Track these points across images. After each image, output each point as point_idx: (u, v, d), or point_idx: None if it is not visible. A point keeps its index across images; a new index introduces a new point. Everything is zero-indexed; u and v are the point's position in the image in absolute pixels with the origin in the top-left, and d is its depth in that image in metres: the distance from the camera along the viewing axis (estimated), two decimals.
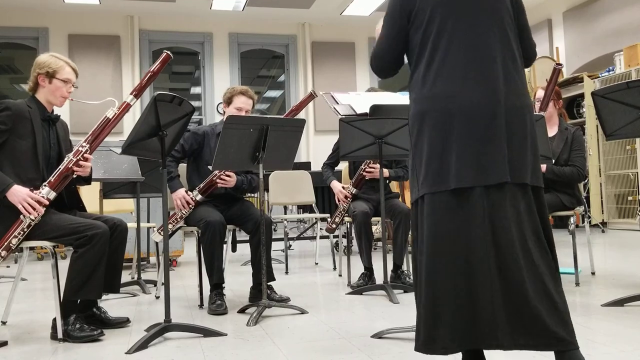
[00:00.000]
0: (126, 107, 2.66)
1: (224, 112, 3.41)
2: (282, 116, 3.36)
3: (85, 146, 2.60)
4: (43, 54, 2.72)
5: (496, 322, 1.56)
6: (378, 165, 3.37)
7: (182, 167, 3.48)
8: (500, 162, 1.62)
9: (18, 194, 2.43)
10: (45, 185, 2.51)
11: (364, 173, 3.66)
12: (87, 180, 2.79)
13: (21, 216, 2.44)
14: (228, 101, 3.36)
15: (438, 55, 1.68)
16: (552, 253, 1.66)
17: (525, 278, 1.57)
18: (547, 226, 1.68)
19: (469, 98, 1.64)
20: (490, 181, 1.61)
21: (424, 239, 1.67)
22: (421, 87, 1.71)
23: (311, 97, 3.30)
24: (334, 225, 3.93)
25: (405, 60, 1.88)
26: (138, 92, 2.69)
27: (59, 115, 2.77)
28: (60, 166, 2.56)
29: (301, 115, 9.47)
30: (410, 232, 3.80)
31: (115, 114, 2.64)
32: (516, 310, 1.56)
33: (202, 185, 3.20)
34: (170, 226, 3.19)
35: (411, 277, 3.65)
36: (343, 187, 3.81)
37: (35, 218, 2.45)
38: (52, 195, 2.51)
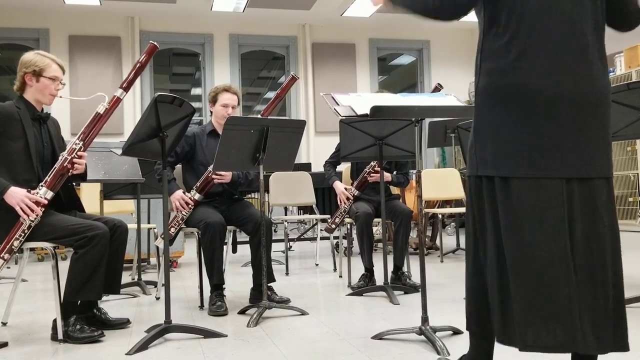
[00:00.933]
0: (116, 102, 2.63)
1: (211, 112, 3.45)
2: (272, 107, 3.36)
3: (78, 143, 2.58)
4: (28, 53, 2.68)
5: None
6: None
7: (177, 170, 3.50)
8: (583, 154, 1.51)
9: (15, 195, 2.42)
10: (42, 186, 2.50)
11: (369, 177, 3.66)
12: (82, 177, 2.77)
13: (20, 218, 2.44)
14: (213, 100, 3.41)
15: (525, 24, 1.51)
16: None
17: (609, 276, 1.53)
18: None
19: (557, 82, 1.50)
20: (572, 174, 1.50)
21: (503, 225, 1.53)
22: (504, 56, 1.53)
23: (293, 79, 3.31)
24: (333, 226, 3.93)
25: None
26: (127, 85, 2.66)
27: (49, 113, 2.76)
28: (55, 165, 2.55)
29: (301, 116, 9.46)
30: (410, 234, 3.80)
31: (106, 108, 2.62)
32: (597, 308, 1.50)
33: (198, 183, 3.20)
34: (172, 230, 3.19)
35: (411, 278, 3.65)
36: (345, 188, 3.81)
37: (35, 219, 2.45)
38: (50, 195, 2.50)
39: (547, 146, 1.50)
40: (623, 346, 1.50)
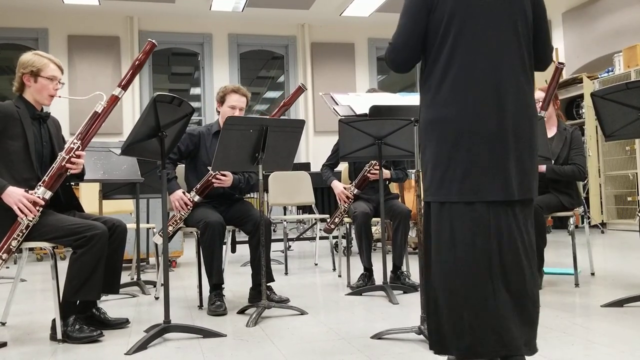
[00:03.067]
0: (114, 100, 2.62)
1: (219, 111, 3.43)
2: (278, 116, 3.36)
3: (76, 143, 2.57)
4: (26, 53, 2.68)
5: (514, 329, 1.64)
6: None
7: (180, 168, 3.49)
8: (508, 179, 1.67)
9: (13, 195, 2.42)
10: (40, 185, 2.50)
11: (369, 175, 3.67)
12: (80, 177, 2.76)
13: (18, 218, 2.44)
14: (221, 100, 3.38)
15: (455, 63, 1.70)
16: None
17: (528, 291, 1.68)
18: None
19: (481, 114, 1.68)
20: (496, 197, 1.67)
21: (437, 244, 1.74)
22: (434, 94, 1.73)
23: (300, 90, 3.30)
24: (332, 226, 3.93)
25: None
26: (125, 84, 2.65)
27: (49, 113, 2.76)
28: (53, 165, 2.54)
29: (300, 116, 9.47)
30: (409, 233, 3.80)
31: (104, 107, 2.61)
32: (522, 316, 1.67)
33: (198, 186, 3.20)
34: (170, 228, 3.19)
35: (410, 277, 3.65)
36: (344, 188, 3.81)
37: (33, 219, 2.45)
38: (48, 194, 2.50)
39: (476, 173, 1.68)
40: (531, 350, 1.69)
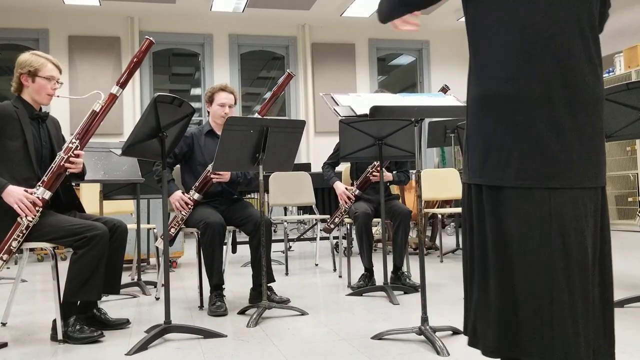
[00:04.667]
0: (112, 99, 2.62)
1: (209, 111, 3.45)
2: (270, 106, 3.35)
3: (75, 142, 2.57)
4: (24, 54, 2.67)
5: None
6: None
7: (175, 171, 3.50)
8: (572, 163, 1.45)
9: (13, 194, 2.42)
10: (39, 186, 2.50)
11: (371, 176, 3.67)
12: (80, 177, 2.76)
13: (19, 218, 2.44)
14: (210, 100, 3.42)
15: (508, 34, 1.47)
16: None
17: (590, 290, 1.44)
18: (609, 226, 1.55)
19: (544, 85, 1.44)
20: (561, 184, 1.45)
21: (491, 236, 1.50)
22: (490, 66, 1.51)
23: (289, 77, 3.31)
24: (332, 226, 3.93)
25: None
26: (123, 82, 2.64)
27: (48, 113, 2.76)
28: (52, 165, 2.54)
29: (301, 116, 9.46)
30: (409, 234, 3.80)
31: (102, 106, 2.61)
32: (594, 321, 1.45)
33: (197, 183, 3.20)
34: (172, 230, 3.19)
35: (411, 278, 3.65)
36: (346, 188, 3.81)
37: (33, 219, 2.45)
38: (47, 194, 2.50)
39: (537, 156, 1.45)
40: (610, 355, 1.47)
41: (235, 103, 3.45)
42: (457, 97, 2.46)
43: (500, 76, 1.49)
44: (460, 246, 5.09)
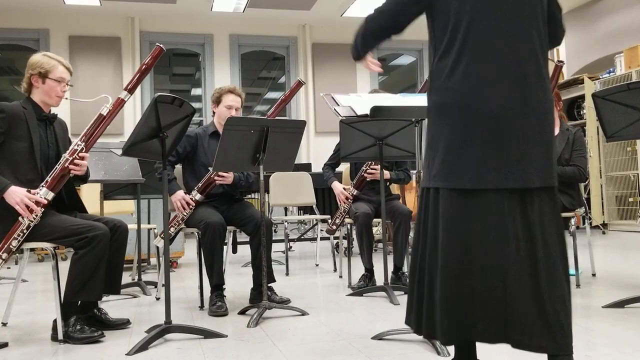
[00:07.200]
0: (120, 103, 2.63)
1: (214, 112, 3.44)
2: (278, 111, 3.36)
3: (80, 145, 2.58)
4: (36, 54, 2.69)
5: (523, 321, 1.54)
6: (379, 167, 3.37)
7: (177, 171, 3.49)
8: (525, 164, 1.57)
9: (15, 195, 2.42)
10: (42, 186, 2.50)
11: (365, 174, 3.67)
12: (83, 179, 2.77)
13: (20, 218, 2.44)
14: (217, 101, 3.40)
15: (469, 45, 1.59)
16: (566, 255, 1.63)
17: (544, 283, 1.54)
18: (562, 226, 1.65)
19: (497, 97, 1.57)
20: (513, 185, 1.56)
21: (439, 233, 1.61)
22: (447, 77, 1.62)
23: (299, 84, 3.31)
24: (334, 227, 3.93)
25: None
26: (132, 88, 2.66)
27: (56, 115, 2.76)
28: (56, 166, 2.55)
29: (301, 116, 9.45)
30: (410, 234, 3.80)
31: (109, 110, 2.61)
32: (539, 312, 1.54)
33: (200, 184, 3.20)
34: (172, 229, 3.19)
35: None
36: (344, 188, 3.81)
37: (34, 219, 2.45)
38: (50, 195, 2.50)
39: (491, 159, 1.57)
40: (558, 348, 1.54)
41: (241, 106, 3.44)
42: None
43: (447, 87, 1.63)
44: None
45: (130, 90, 2.66)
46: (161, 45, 2.67)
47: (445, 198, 1.61)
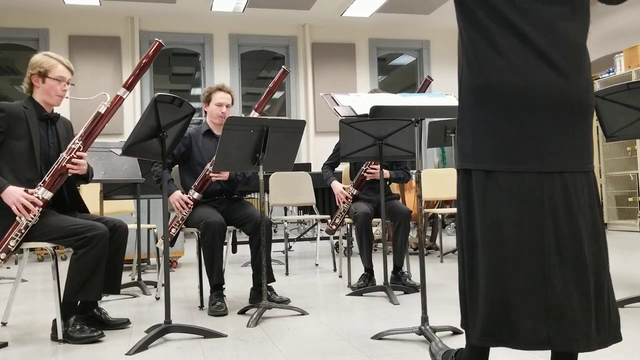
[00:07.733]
0: (119, 101, 2.62)
1: (206, 111, 3.45)
2: (266, 102, 3.35)
3: (77, 143, 2.57)
4: (37, 54, 2.69)
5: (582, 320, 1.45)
6: (379, 166, 3.38)
7: (174, 171, 3.50)
8: (564, 148, 1.52)
9: (12, 195, 2.42)
10: (40, 186, 2.49)
11: (365, 174, 3.67)
12: (85, 178, 2.75)
13: (17, 217, 2.44)
14: (207, 100, 3.43)
15: (502, 24, 1.54)
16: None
17: (590, 272, 1.46)
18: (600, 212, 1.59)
19: (540, 79, 1.52)
20: (552, 168, 1.50)
21: (481, 221, 1.53)
22: (481, 56, 1.57)
23: (284, 73, 3.31)
24: (334, 227, 3.93)
25: None
26: (131, 84, 2.65)
27: (59, 114, 2.76)
28: (54, 165, 2.54)
29: (301, 116, 9.45)
30: (409, 234, 3.80)
31: (108, 108, 2.61)
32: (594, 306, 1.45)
33: (196, 182, 3.20)
34: (173, 230, 3.19)
35: (411, 278, 3.65)
36: (344, 188, 3.81)
37: (32, 219, 2.45)
38: (48, 195, 2.50)
39: (528, 141, 1.51)
40: (604, 341, 1.46)
41: (232, 103, 3.45)
42: (457, 97, 2.46)
43: (484, 69, 1.56)
44: None
45: (129, 87, 2.64)
46: (159, 40, 2.67)
47: (480, 180, 1.54)
